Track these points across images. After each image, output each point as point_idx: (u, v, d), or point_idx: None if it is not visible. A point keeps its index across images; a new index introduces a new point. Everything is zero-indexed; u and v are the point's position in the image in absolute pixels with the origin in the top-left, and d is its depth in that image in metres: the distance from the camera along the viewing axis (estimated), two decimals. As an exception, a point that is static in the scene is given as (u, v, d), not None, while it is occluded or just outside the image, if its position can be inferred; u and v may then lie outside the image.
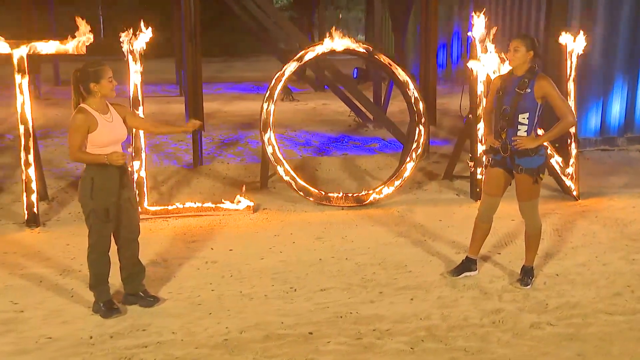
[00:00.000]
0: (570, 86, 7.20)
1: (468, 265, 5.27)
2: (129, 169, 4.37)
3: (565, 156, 7.45)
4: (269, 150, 7.08)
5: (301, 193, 7.11)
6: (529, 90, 4.75)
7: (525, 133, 4.80)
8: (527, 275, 5.09)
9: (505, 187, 5.05)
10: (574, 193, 7.42)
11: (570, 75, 7.15)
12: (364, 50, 7.24)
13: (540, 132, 4.96)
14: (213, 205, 6.82)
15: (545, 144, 4.95)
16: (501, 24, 10.87)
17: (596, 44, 9.43)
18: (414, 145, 7.42)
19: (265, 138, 7.09)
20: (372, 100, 11.54)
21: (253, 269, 5.41)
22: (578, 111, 9.38)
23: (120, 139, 4.42)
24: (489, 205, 5.11)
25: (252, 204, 6.90)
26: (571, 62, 7.13)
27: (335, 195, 7.16)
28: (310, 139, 10.47)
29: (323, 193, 7.16)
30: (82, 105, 4.29)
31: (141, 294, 4.66)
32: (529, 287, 5.02)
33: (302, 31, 19.24)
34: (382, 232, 6.32)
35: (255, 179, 7.94)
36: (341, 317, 4.56)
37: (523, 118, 4.77)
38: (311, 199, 7.12)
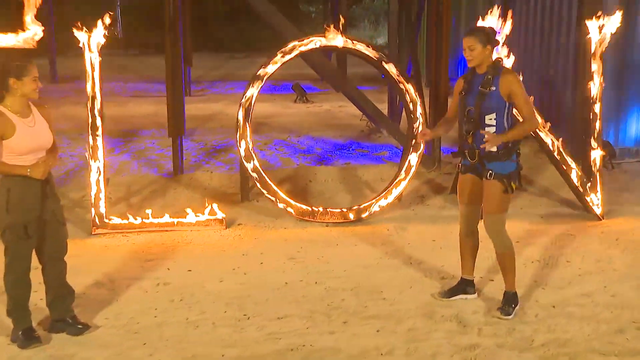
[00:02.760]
0: (595, 84, 6.96)
1: (463, 287, 5.18)
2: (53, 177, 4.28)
3: (587, 167, 7.22)
4: (242, 151, 7.03)
5: (282, 206, 7.03)
6: (493, 87, 4.69)
7: None
8: (508, 302, 4.93)
9: (479, 195, 4.93)
10: (598, 211, 7.17)
11: (595, 70, 6.92)
12: (371, 54, 7.14)
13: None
14: (181, 220, 6.78)
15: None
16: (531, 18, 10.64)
17: (637, 38, 9.16)
18: (409, 160, 7.27)
19: (238, 137, 7.03)
20: (388, 101, 11.45)
21: (208, 292, 5.36)
22: (615, 116, 9.15)
23: (43, 147, 4.39)
24: (466, 216, 5.02)
25: (223, 218, 6.84)
26: (597, 53, 6.91)
27: (320, 210, 7.06)
28: (314, 145, 10.42)
29: (307, 208, 7.06)
30: None
31: (69, 320, 4.63)
32: (510, 317, 4.86)
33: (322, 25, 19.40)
34: (364, 253, 6.22)
35: (238, 190, 7.90)
36: (292, 349, 4.47)
37: (490, 119, 4.71)
38: (293, 213, 7.03)
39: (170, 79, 8.07)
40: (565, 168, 7.18)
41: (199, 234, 6.71)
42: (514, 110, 4.81)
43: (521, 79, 4.86)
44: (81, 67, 6.74)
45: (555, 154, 7.15)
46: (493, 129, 4.69)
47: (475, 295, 5.15)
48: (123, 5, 31.22)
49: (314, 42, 7.04)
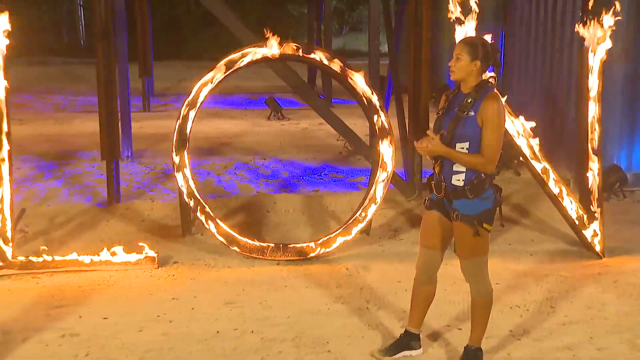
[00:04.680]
0: (593, 100, 6.90)
1: (407, 341, 5.03)
2: None
3: (585, 198, 7.12)
4: (179, 180, 6.95)
5: (224, 241, 6.94)
6: (472, 112, 4.53)
7: (464, 172, 4.58)
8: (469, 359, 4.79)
9: (445, 237, 4.82)
10: (598, 248, 7.06)
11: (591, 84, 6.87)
12: (316, 57, 7.09)
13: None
14: (106, 258, 6.68)
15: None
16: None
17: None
18: (376, 184, 7.18)
19: (177, 159, 6.94)
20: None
21: (122, 345, 5.24)
22: (627, 136, 9.09)
23: None
24: (425, 261, 4.89)
25: (155, 255, 6.74)
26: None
27: (271, 246, 6.96)
28: (281, 169, 10.39)
29: (255, 243, 6.97)
30: None
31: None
32: (469, 377, 4.72)
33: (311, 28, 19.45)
34: (315, 296, 6.12)
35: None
36: (209, 414, 4.34)
37: (461, 148, 4.55)
38: (237, 250, 6.93)
39: (102, 93, 8.01)
40: (560, 197, 7.06)
41: (125, 275, 6.60)
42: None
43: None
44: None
45: (549, 181, 7.03)
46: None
47: (421, 350, 5.01)
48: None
49: (252, 54, 6.97)
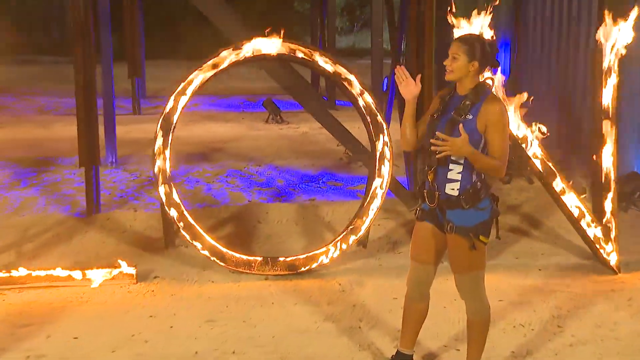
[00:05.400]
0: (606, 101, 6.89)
1: (399, 363, 5.00)
2: None
3: (599, 208, 7.10)
4: (161, 190, 6.96)
5: (207, 253, 6.94)
6: (470, 116, 4.50)
7: (459, 181, 4.56)
8: (464, 385, 4.78)
9: (439, 251, 4.80)
10: (612, 262, 7.03)
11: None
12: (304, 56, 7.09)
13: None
14: (80, 272, 6.68)
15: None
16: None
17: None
18: (372, 192, 7.18)
19: (156, 168, 6.95)
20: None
21: (92, 367, 5.24)
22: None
23: None
24: (417, 276, 4.86)
25: (134, 271, 6.74)
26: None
27: (259, 259, 6.96)
28: (276, 177, 10.41)
29: (241, 256, 6.97)
30: None
31: None
32: (463, 403, 4.70)
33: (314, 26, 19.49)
34: (303, 314, 6.11)
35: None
36: None
37: (457, 156, 4.52)
38: (223, 263, 6.93)
39: (81, 94, 8.03)
40: (569, 206, 7.04)
41: (101, 291, 6.60)
42: None
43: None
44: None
45: (558, 188, 7.01)
46: (458, 170, 4.54)
47: None
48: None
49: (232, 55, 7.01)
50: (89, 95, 8.09)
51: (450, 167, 4.56)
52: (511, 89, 11.28)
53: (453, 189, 4.57)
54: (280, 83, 8.32)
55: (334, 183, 10.13)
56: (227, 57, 7.02)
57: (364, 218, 7.20)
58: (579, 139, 9.47)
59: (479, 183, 4.55)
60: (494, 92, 4.63)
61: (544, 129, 6.94)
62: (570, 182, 7.07)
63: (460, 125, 4.41)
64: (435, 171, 4.63)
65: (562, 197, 7.01)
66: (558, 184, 7.00)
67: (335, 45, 17.67)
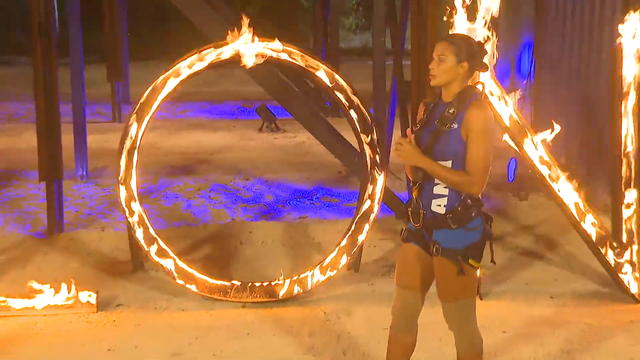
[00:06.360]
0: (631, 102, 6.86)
1: (384, 405, 4.96)
2: None
3: (620, 229, 7.05)
4: (127, 211, 6.94)
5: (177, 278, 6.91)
6: (455, 125, 4.46)
7: (446, 196, 4.51)
8: None
9: (426, 276, 4.73)
10: (633, 290, 6.99)
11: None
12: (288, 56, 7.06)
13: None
14: (33, 300, 6.66)
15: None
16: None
17: None
18: (364, 209, 7.16)
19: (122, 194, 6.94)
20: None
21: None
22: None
23: None
24: (403, 305, 4.82)
25: (94, 298, 6.71)
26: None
27: (236, 284, 6.92)
28: (266, 192, 10.43)
29: (215, 282, 6.94)
30: None
31: None
32: None
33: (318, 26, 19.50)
34: (282, 346, 6.07)
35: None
36: None
37: None
38: (195, 289, 6.90)
39: (41, 99, 8.02)
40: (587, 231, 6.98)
41: (56, 321, 6.55)
42: None
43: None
44: None
45: (573, 207, 6.95)
46: (445, 184, 4.49)
47: None
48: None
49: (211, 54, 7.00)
50: (50, 101, 8.09)
51: (435, 181, 4.51)
52: (533, 93, 11.34)
53: (439, 206, 4.52)
54: (265, 87, 8.30)
55: (329, 199, 10.11)
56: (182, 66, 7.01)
57: (356, 238, 7.15)
58: (602, 151, 9.40)
59: (469, 200, 4.49)
60: (481, 99, 4.57)
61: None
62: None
63: (409, 132, 4.47)
64: (420, 187, 4.58)
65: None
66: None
67: (338, 45, 17.67)
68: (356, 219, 7.21)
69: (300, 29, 31.84)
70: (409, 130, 4.56)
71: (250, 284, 6.97)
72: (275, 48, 6.99)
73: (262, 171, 11.49)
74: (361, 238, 7.18)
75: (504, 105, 6.77)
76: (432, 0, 8.07)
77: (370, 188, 7.22)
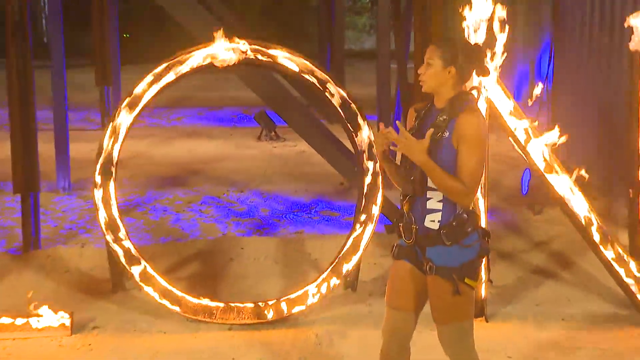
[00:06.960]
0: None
1: None
2: None
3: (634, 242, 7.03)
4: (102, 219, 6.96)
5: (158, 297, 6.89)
6: (446, 133, 4.46)
7: (440, 211, 4.50)
8: None
9: (419, 295, 4.71)
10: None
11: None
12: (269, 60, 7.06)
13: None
14: (2, 322, 6.64)
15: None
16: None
17: None
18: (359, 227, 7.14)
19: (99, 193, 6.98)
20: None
21: None
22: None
23: None
24: (394, 326, 4.77)
25: (68, 320, 6.69)
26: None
27: (221, 305, 6.89)
28: (261, 205, 10.42)
29: (200, 302, 6.91)
30: None
31: None
32: None
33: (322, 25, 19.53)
34: (268, 374, 6.02)
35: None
36: None
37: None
38: (179, 310, 6.88)
39: (16, 105, 7.99)
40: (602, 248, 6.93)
41: (26, 345, 6.54)
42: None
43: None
44: None
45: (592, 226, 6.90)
46: (438, 198, 4.48)
47: None
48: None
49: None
50: (25, 107, 8.05)
51: (428, 196, 4.50)
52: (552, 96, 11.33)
53: (433, 221, 4.51)
54: (257, 92, 8.28)
55: (329, 213, 10.09)
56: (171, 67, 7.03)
57: (351, 256, 7.11)
58: (623, 161, 9.35)
59: (465, 214, 4.47)
60: (474, 105, 4.54)
61: (585, 174, 6.84)
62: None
63: (430, 132, 4.38)
64: (411, 200, 4.56)
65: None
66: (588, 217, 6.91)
67: (343, 46, 17.69)
68: (352, 235, 7.19)
69: (307, 31, 31.86)
70: (382, 124, 4.50)
71: (237, 304, 6.94)
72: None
73: (258, 182, 11.47)
74: (357, 257, 7.16)
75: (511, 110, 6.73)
76: (436, 3, 8.09)
77: (365, 205, 7.20)
